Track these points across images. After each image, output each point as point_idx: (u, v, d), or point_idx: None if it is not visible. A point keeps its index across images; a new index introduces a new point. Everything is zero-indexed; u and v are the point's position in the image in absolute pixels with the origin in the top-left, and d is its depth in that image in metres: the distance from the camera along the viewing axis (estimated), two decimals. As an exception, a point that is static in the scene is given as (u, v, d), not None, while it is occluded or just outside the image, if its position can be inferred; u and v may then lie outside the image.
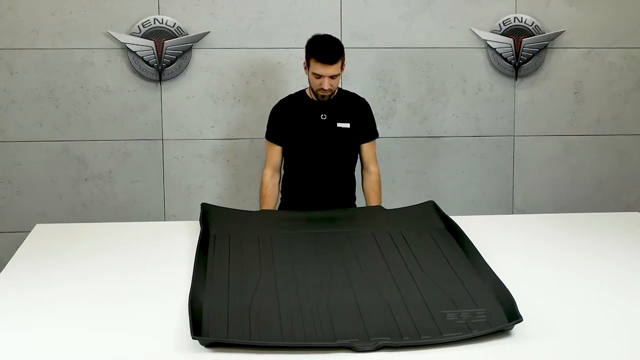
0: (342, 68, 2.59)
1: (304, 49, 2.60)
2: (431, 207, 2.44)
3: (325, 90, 2.56)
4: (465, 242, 2.13)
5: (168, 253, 2.15)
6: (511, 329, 1.67)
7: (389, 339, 1.62)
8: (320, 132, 2.63)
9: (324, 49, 2.51)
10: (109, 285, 1.93)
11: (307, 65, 2.58)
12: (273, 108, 2.72)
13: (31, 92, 3.10)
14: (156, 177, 3.21)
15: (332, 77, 2.54)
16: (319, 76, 2.53)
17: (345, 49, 2.60)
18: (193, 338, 1.56)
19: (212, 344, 1.59)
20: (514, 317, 1.67)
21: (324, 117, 2.64)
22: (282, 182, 2.77)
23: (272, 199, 2.67)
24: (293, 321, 1.68)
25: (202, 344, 1.58)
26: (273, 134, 2.68)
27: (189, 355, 1.56)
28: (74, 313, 1.75)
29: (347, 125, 2.65)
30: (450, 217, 2.31)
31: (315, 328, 1.65)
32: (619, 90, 3.33)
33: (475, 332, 1.64)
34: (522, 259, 2.13)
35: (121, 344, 1.61)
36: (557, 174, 3.38)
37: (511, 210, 3.38)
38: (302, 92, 2.71)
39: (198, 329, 1.62)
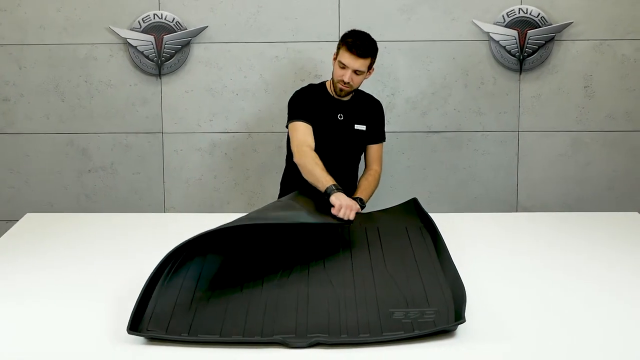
0: (369, 70, 2.54)
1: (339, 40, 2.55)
2: (412, 205, 2.41)
3: (345, 83, 2.50)
4: (439, 241, 2.09)
5: (151, 245, 2.15)
6: (454, 329, 1.63)
7: (327, 335, 1.60)
8: (336, 132, 2.60)
9: (357, 40, 2.48)
10: (78, 274, 1.96)
11: (337, 55, 2.53)
12: (295, 94, 2.63)
13: (38, 86, 3.21)
14: (156, 169, 3.27)
15: (356, 72, 2.49)
16: (344, 66, 2.49)
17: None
18: (129, 333, 1.58)
19: (151, 337, 1.60)
20: (459, 317, 1.63)
21: (340, 117, 2.61)
22: (284, 174, 2.76)
23: (317, 160, 2.41)
24: (238, 316, 1.68)
25: (139, 337, 1.60)
26: (301, 113, 2.52)
27: (123, 347, 1.56)
28: (31, 302, 1.78)
29: (364, 127, 2.64)
30: (449, 213, 2.31)
31: (257, 323, 1.65)
32: (633, 84, 3.17)
33: (417, 332, 1.61)
34: (509, 258, 2.08)
35: (63, 335, 1.62)
36: (565, 171, 3.25)
37: (515, 208, 3.27)
38: (323, 84, 2.68)
39: (138, 323, 1.63)
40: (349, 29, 2.60)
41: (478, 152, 3.24)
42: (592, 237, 2.25)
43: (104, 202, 3.28)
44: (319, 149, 2.60)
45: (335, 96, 2.62)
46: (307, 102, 2.60)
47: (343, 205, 2.17)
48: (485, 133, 3.23)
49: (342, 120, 2.61)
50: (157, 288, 1.78)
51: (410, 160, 3.25)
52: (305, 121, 2.53)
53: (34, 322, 1.69)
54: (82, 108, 3.23)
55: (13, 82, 3.21)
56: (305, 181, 2.49)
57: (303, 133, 2.51)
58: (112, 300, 1.78)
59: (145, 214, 3.07)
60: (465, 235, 2.24)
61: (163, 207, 3.28)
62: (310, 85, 2.70)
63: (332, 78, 2.60)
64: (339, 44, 2.54)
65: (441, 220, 2.24)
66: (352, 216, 2.18)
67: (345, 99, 2.63)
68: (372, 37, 2.56)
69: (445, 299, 1.75)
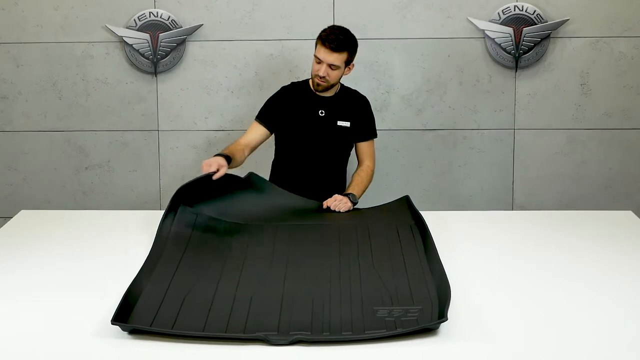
0: (347, 65, 2.52)
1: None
2: (404, 203, 2.41)
3: (320, 77, 2.49)
4: (428, 239, 2.09)
5: (147, 242, 2.12)
6: (436, 328, 1.63)
7: (309, 333, 1.61)
8: (317, 129, 2.59)
9: (331, 34, 2.46)
10: (71, 271, 1.96)
11: (315, 50, 2.53)
12: (275, 93, 2.67)
13: (36, 84, 3.23)
14: (152, 167, 3.29)
15: (331, 66, 2.47)
16: (320, 61, 2.48)
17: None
18: (112, 323, 1.60)
19: (135, 331, 1.62)
20: (443, 316, 1.63)
21: (322, 113, 2.59)
22: (271, 172, 2.77)
23: (233, 148, 2.50)
24: (222, 312, 1.69)
25: (123, 330, 1.61)
26: (264, 115, 2.60)
27: (108, 341, 1.57)
28: (24, 299, 1.78)
29: (347, 124, 2.60)
30: (443, 211, 2.29)
31: (240, 320, 1.66)
32: (630, 82, 3.15)
33: (399, 330, 1.61)
34: (500, 257, 2.07)
35: (55, 331, 1.63)
36: (561, 169, 3.23)
37: (511, 206, 3.26)
38: (306, 81, 2.67)
39: (123, 315, 1.65)
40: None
41: (473, 150, 3.23)
42: (587, 235, 2.23)
43: (101, 199, 3.30)
44: (300, 147, 2.60)
45: (317, 92, 2.60)
46: (278, 103, 2.61)
47: (205, 163, 2.29)
48: (480, 131, 3.22)
49: (323, 116, 2.59)
50: (146, 283, 1.80)
51: (405, 158, 3.25)
52: (261, 122, 2.61)
53: (27, 318, 1.70)
54: (79, 106, 3.25)
55: (11, 80, 3.23)
56: (293, 179, 2.53)
57: (249, 131, 2.61)
58: (107, 297, 1.78)
59: (141, 211, 3.07)
60: (458, 234, 2.24)
61: (159, 204, 3.30)
62: (293, 84, 2.69)
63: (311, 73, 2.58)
64: (316, 39, 2.52)
65: (434, 218, 2.23)
66: (212, 169, 2.27)
67: (328, 95, 2.61)
68: (353, 33, 2.52)
69: (430, 298, 1.75)
